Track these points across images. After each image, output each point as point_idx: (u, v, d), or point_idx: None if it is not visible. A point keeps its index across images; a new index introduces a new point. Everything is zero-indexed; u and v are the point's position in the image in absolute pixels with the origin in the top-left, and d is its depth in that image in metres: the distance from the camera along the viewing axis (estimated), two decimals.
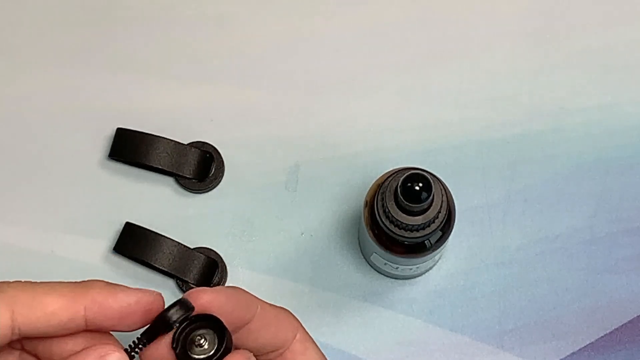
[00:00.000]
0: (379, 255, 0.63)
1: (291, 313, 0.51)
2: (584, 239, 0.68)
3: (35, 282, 0.46)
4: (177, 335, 0.47)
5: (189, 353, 0.46)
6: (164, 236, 0.66)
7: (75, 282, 0.47)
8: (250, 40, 0.70)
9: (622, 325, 0.67)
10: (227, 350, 0.47)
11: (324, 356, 0.52)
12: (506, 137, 0.69)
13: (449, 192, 0.61)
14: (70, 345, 0.47)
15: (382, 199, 0.58)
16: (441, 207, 0.58)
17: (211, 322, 0.47)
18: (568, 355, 0.66)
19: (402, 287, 0.67)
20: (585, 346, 0.66)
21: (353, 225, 0.68)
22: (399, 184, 0.56)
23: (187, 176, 0.67)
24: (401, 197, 0.56)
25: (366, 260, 0.67)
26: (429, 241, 0.60)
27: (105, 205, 0.68)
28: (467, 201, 0.67)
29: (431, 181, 0.55)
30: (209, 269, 0.66)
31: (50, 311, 0.45)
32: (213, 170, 0.68)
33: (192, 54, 0.70)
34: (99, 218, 0.68)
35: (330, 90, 0.69)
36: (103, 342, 0.47)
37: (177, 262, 0.66)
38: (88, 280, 0.47)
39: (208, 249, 0.67)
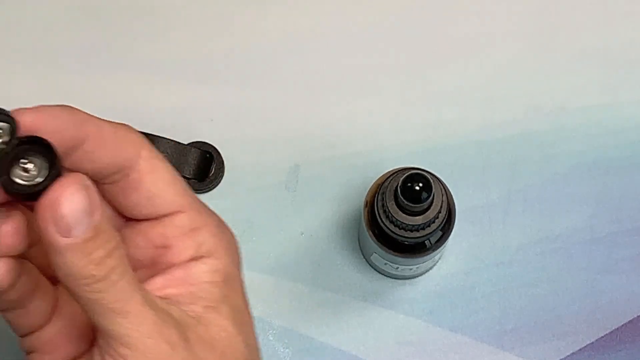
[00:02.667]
0: (379, 255, 0.63)
1: (132, 129, 0.47)
2: (584, 239, 0.68)
3: None
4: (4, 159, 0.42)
5: (13, 179, 0.41)
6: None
7: None
8: (250, 40, 0.70)
9: (622, 325, 0.67)
10: (58, 174, 0.42)
11: (177, 175, 0.48)
12: (506, 137, 0.69)
13: (449, 192, 0.61)
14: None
15: (382, 199, 0.58)
16: (441, 207, 0.58)
17: (37, 145, 0.42)
18: (568, 355, 0.66)
19: (402, 287, 0.67)
20: (585, 346, 0.66)
21: (353, 225, 0.68)
22: (399, 184, 0.56)
23: (187, 176, 0.67)
24: (401, 197, 0.56)
25: (366, 260, 0.67)
26: (429, 241, 0.60)
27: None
28: (467, 201, 0.67)
29: (431, 181, 0.55)
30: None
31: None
32: (213, 170, 0.68)
33: (192, 54, 0.70)
34: None
35: (330, 90, 0.69)
36: None
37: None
38: None
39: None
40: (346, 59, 0.70)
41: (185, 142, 0.68)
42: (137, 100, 0.69)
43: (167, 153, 0.67)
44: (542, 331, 0.66)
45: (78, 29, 0.70)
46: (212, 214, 0.49)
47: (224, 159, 0.68)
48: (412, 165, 0.60)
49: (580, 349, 0.66)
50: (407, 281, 0.67)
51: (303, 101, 0.69)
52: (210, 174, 0.68)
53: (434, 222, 0.58)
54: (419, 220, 0.57)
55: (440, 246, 0.61)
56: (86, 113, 0.45)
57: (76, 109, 0.45)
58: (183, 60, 0.70)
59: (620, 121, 0.69)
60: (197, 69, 0.70)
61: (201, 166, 0.67)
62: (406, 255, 0.61)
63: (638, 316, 0.67)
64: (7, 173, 0.41)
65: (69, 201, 0.41)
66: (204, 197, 0.68)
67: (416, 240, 0.59)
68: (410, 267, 0.63)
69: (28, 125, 0.42)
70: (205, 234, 0.48)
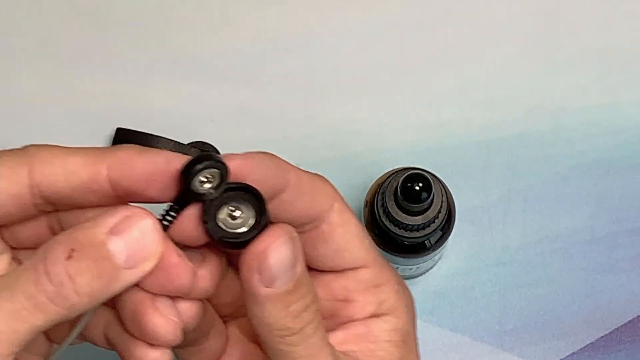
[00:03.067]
0: None
1: (327, 180, 0.47)
2: (584, 239, 0.68)
3: (62, 146, 0.42)
4: (206, 206, 0.41)
5: (222, 226, 0.41)
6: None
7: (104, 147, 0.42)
8: (250, 40, 0.70)
9: (622, 325, 0.67)
10: (266, 224, 0.41)
11: (364, 229, 0.47)
12: (506, 137, 0.69)
13: (449, 192, 0.61)
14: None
15: (382, 199, 0.58)
16: (441, 207, 0.58)
17: (244, 192, 0.41)
18: (568, 355, 0.66)
19: None
20: (585, 346, 0.66)
21: None
22: (399, 184, 0.56)
23: None
24: (401, 197, 0.56)
25: None
26: (429, 241, 0.60)
27: None
28: (467, 201, 0.67)
29: (431, 181, 0.55)
30: None
31: (71, 169, 0.41)
32: None
33: (192, 54, 0.70)
34: None
35: (330, 90, 0.69)
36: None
37: None
38: (118, 145, 0.43)
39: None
40: (346, 59, 0.70)
41: (185, 142, 0.68)
42: (137, 100, 0.69)
43: None
44: (542, 331, 0.66)
45: (78, 29, 0.70)
46: (393, 270, 0.48)
47: None
48: (412, 165, 0.60)
49: (580, 349, 0.66)
50: (407, 281, 0.67)
51: (303, 101, 0.69)
52: None
53: (434, 222, 0.58)
54: (419, 220, 0.57)
55: (440, 246, 0.61)
56: (286, 162, 0.45)
57: (278, 157, 0.44)
58: (183, 60, 0.70)
59: (620, 121, 0.69)
60: (197, 69, 0.70)
61: None
62: (406, 255, 0.61)
63: (638, 316, 0.67)
64: (214, 219, 0.41)
65: (276, 252, 0.41)
66: None
67: (416, 240, 0.59)
68: (410, 267, 0.63)
69: (235, 171, 0.42)
70: (388, 291, 0.47)
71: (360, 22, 0.70)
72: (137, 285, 0.41)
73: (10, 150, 0.42)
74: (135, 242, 0.40)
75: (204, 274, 0.43)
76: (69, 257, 0.39)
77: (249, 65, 0.70)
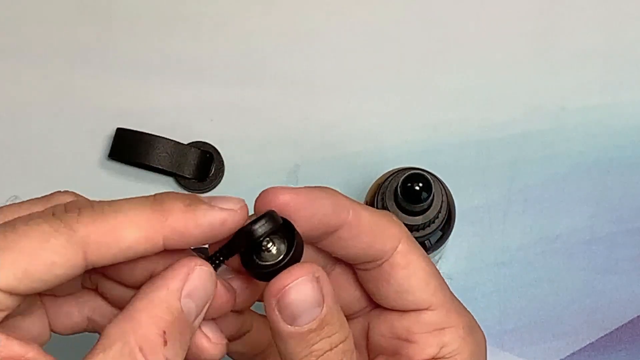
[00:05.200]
0: None
1: (394, 220, 0.46)
2: (584, 239, 0.68)
3: (106, 209, 0.42)
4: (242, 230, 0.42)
5: (253, 257, 0.42)
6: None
7: (151, 202, 0.42)
8: (250, 40, 0.70)
9: (622, 325, 0.67)
10: (294, 260, 0.42)
11: (432, 271, 0.46)
12: (506, 137, 0.69)
13: (449, 192, 0.61)
14: (147, 264, 0.43)
15: (382, 199, 0.58)
16: (441, 207, 0.58)
17: (283, 226, 0.42)
18: (568, 355, 0.66)
19: None
20: (585, 346, 0.66)
21: None
22: (399, 184, 0.56)
23: (187, 176, 0.67)
24: (401, 197, 0.56)
25: None
26: (429, 241, 0.60)
27: None
28: (467, 201, 0.67)
29: (431, 181, 0.55)
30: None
31: (127, 246, 0.41)
32: (213, 170, 0.68)
33: (192, 54, 0.70)
34: None
35: (330, 90, 0.69)
36: (186, 256, 0.42)
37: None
38: (163, 198, 0.42)
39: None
40: (346, 59, 0.70)
41: (185, 142, 0.68)
42: (137, 100, 0.69)
43: (167, 153, 0.67)
44: (542, 331, 0.66)
45: (78, 29, 0.70)
46: (463, 313, 0.47)
47: (224, 159, 0.68)
48: (412, 165, 0.60)
49: (580, 349, 0.66)
50: None
51: (303, 101, 0.69)
52: (210, 174, 0.68)
53: (434, 222, 0.58)
54: (419, 220, 0.57)
55: (440, 246, 0.61)
56: (348, 198, 0.44)
57: (338, 193, 0.44)
58: (183, 60, 0.70)
59: (620, 121, 0.69)
60: (197, 69, 0.70)
61: (201, 166, 0.67)
62: None
63: (638, 316, 0.67)
64: (249, 248, 0.42)
65: (296, 291, 0.41)
66: (203, 197, 0.68)
67: (416, 240, 0.59)
68: None
69: (283, 204, 0.42)
70: (452, 335, 0.46)
71: (360, 22, 0.70)
72: None
73: (54, 226, 0.40)
74: (202, 296, 0.42)
75: (243, 289, 0.44)
76: (165, 342, 0.40)
77: (248, 65, 0.70)
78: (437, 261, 0.66)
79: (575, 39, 0.70)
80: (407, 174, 0.56)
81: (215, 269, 0.42)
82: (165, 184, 0.68)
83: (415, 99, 0.69)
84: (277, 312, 0.41)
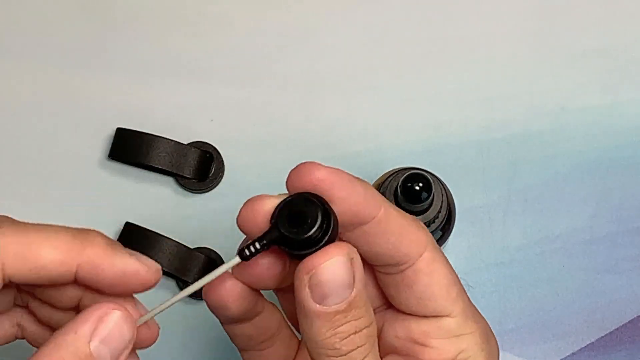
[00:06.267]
0: None
1: (421, 226, 0.45)
2: (584, 239, 0.68)
3: (29, 227, 0.43)
4: (279, 207, 0.42)
5: (287, 226, 0.41)
6: (163, 236, 0.66)
7: (73, 232, 0.43)
8: (250, 40, 0.70)
9: (622, 325, 0.67)
10: (331, 239, 0.41)
11: (454, 278, 0.46)
12: (506, 137, 0.69)
13: (449, 192, 0.61)
14: (68, 291, 0.44)
15: None
16: (441, 207, 0.58)
17: (318, 204, 0.41)
18: (568, 355, 0.66)
19: None
20: (585, 346, 0.66)
21: None
22: (399, 184, 0.56)
23: (187, 176, 0.67)
24: (401, 197, 0.56)
25: None
26: None
27: (105, 205, 0.68)
28: (467, 201, 0.67)
29: (431, 181, 0.55)
30: (209, 269, 0.66)
31: (42, 264, 0.42)
32: (213, 170, 0.68)
33: (192, 54, 0.70)
34: (99, 218, 0.68)
35: (330, 90, 0.69)
36: (101, 299, 0.43)
37: (177, 262, 0.66)
38: (87, 231, 0.43)
39: (208, 249, 0.67)
40: (346, 59, 0.70)
41: (185, 142, 0.68)
42: (137, 100, 0.69)
43: (167, 153, 0.67)
44: (542, 331, 0.66)
45: (77, 29, 0.70)
46: (480, 319, 0.48)
47: (224, 159, 0.68)
48: (412, 165, 0.60)
49: (580, 349, 0.66)
50: None
51: (303, 101, 0.69)
52: (210, 174, 0.68)
53: (434, 222, 0.58)
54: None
55: (440, 246, 0.61)
56: (382, 198, 0.44)
57: (371, 187, 0.44)
58: (183, 60, 0.70)
59: (620, 121, 0.69)
60: (197, 69, 0.70)
61: (201, 166, 0.67)
62: None
63: (638, 316, 0.67)
64: (283, 218, 0.41)
65: (330, 271, 0.41)
66: (204, 197, 0.68)
67: None
68: None
69: (319, 180, 0.42)
70: (469, 342, 0.46)
71: (360, 22, 0.70)
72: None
73: None
74: (117, 342, 0.41)
75: (263, 263, 0.44)
76: None
77: (248, 65, 0.70)
78: None
79: (575, 39, 0.70)
80: (407, 174, 0.56)
81: (247, 258, 0.42)
82: (165, 184, 0.68)
83: (415, 99, 0.69)
84: (307, 290, 0.41)
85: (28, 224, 0.43)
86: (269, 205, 0.43)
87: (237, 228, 0.69)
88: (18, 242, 0.42)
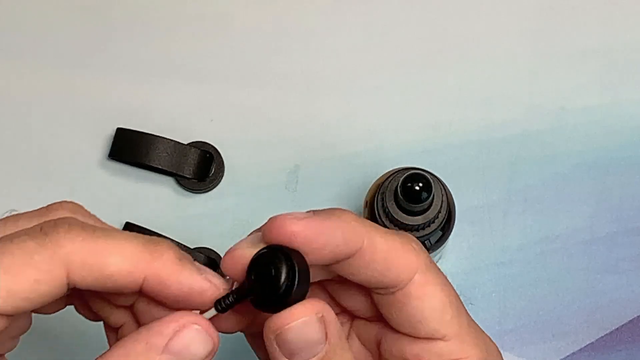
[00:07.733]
0: None
1: (413, 247, 0.44)
2: (584, 239, 0.68)
3: (98, 233, 0.41)
4: (251, 261, 0.41)
5: (255, 281, 0.40)
6: (164, 236, 0.66)
7: (144, 241, 0.41)
8: (250, 40, 0.70)
9: (622, 325, 0.67)
10: (299, 294, 0.40)
11: (450, 300, 0.44)
12: (506, 137, 0.69)
13: (449, 192, 0.61)
14: (130, 298, 0.43)
15: (382, 199, 0.58)
16: (441, 207, 0.58)
17: (285, 259, 0.40)
18: (568, 355, 0.66)
19: None
20: (585, 346, 0.66)
21: None
22: (399, 184, 0.56)
23: (187, 176, 0.67)
24: (401, 197, 0.56)
25: None
26: (429, 241, 0.60)
27: (105, 205, 0.68)
28: (467, 201, 0.67)
29: (431, 181, 0.55)
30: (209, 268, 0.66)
31: (108, 274, 0.40)
32: (213, 170, 0.68)
33: (192, 54, 0.70)
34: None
35: (330, 90, 0.69)
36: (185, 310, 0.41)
37: None
38: (158, 242, 0.42)
39: (208, 249, 0.67)
40: (346, 59, 0.70)
41: (185, 142, 0.68)
42: (137, 100, 0.69)
43: (167, 153, 0.67)
44: (542, 331, 0.66)
45: (78, 29, 0.70)
46: (480, 343, 0.46)
47: (224, 159, 0.68)
48: (412, 165, 0.60)
49: (580, 349, 0.66)
50: None
51: (303, 101, 0.69)
52: (210, 174, 0.68)
53: (434, 222, 0.58)
54: (419, 220, 0.57)
55: (440, 246, 0.61)
56: (364, 223, 0.42)
57: (353, 218, 0.42)
58: (183, 60, 0.70)
59: (620, 121, 0.69)
60: (197, 69, 0.70)
61: (201, 166, 0.67)
62: None
63: (638, 316, 0.67)
64: (253, 273, 0.41)
65: (295, 331, 0.40)
66: (204, 197, 0.68)
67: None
68: None
69: (292, 235, 0.41)
70: None
71: (359, 22, 0.70)
72: None
73: (39, 242, 0.40)
74: (189, 358, 0.40)
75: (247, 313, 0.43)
76: None
77: (248, 65, 0.70)
78: (437, 261, 0.66)
79: (575, 39, 0.70)
80: (407, 174, 0.56)
81: (224, 310, 0.41)
82: (165, 184, 0.68)
83: (415, 99, 0.69)
84: (275, 346, 0.41)
85: (97, 228, 0.41)
86: (248, 254, 0.42)
87: (236, 228, 0.70)
88: (86, 249, 0.40)
